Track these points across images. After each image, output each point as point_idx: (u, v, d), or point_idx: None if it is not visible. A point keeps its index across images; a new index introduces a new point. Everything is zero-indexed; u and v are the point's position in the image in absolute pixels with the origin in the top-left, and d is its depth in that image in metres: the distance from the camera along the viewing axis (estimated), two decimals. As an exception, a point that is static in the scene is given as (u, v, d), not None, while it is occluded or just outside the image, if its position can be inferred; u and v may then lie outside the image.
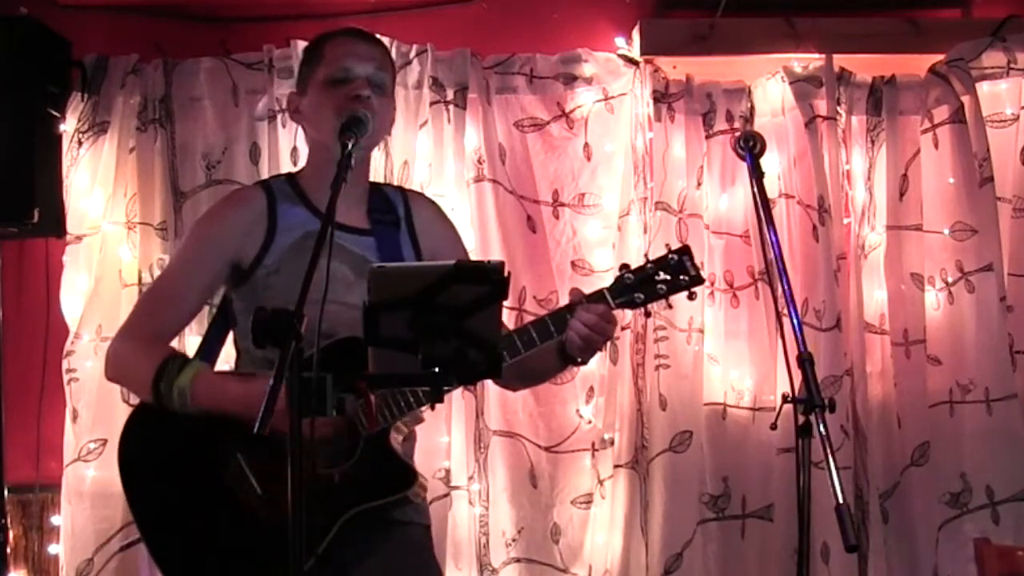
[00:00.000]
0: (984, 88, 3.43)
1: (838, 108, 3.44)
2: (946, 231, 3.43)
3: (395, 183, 3.24)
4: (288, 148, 3.36)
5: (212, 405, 2.13)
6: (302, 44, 3.16)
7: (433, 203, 2.56)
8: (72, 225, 3.38)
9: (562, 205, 3.50)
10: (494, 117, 3.44)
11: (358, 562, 2.17)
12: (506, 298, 1.80)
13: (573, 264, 3.47)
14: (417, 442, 2.42)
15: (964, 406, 3.38)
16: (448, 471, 3.30)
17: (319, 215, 2.12)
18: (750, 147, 2.28)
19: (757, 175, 2.26)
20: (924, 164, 3.45)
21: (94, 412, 3.29)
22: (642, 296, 2.27)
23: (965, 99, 3.39)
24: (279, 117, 3.35)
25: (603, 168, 3.49)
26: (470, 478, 3.33)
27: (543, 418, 3.41)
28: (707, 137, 3.49)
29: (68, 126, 3.38)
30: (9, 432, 3.33)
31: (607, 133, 3.49)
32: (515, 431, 3.40)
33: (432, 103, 3.39)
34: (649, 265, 2.28)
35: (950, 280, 3.42)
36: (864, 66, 3.48)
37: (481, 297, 1.74)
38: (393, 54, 3.08)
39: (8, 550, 3.33)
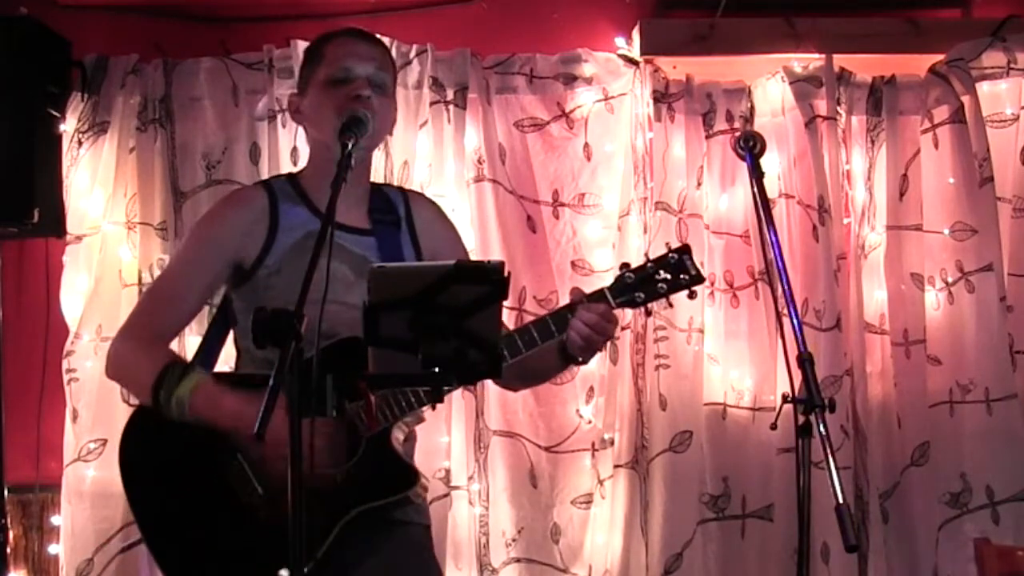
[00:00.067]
0: (984, 88, 3.43)
1: (838, 108, 3.44)
2: (946, 231, 3.43)
3: (395, 183, 3.24)
4: (288, 148, 3.37)
5: (209, 418, 2.13)
6: (302, 44, 3.16)
7: (433, 203, 2.56)
8: (72, 225, 3.38)
9: (562, 205, 3.50)
10: (494, 117, 3.44)
11: (359, 562, 2.17)
12: (506, 298, 1.80)
13: (573, 264, 3.47)
14: (417, 442, 2.42)
15: (964, 406, 3.38)
16: (448, 471, 3.30)
17: (320, 215, 2.12)
18: (750, 147, 2.28)
19: (757, 175, 2.26)
20: (924, 164, 3.45)
21: (94, 412, 3.29)
22: (643, 295, 2.27)
23: (965, 99, 3.39)
24: (279, 117, 3.35)
25: (603, 168, 3.49)
26: (470, 478, 3.33)
27: (543, 418, 3.41)
28: (707, 137, 3.49)
29: (68, 126, 3.38)
30: (9, 432, 3.33)
31: (607, 133, 3.49)
32: (515, 431, 3.40)
33: (432, 103, 3.39)
34: (649, 264, 2.28)
35: (950, 280, 3.42)
36: (864, 66, 3.48)
37: (481, 297, 1.74)
38: (393, 54, 3.07)
39: (8, 550, 3.33)
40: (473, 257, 2.85)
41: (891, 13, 3.55)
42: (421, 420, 2.35)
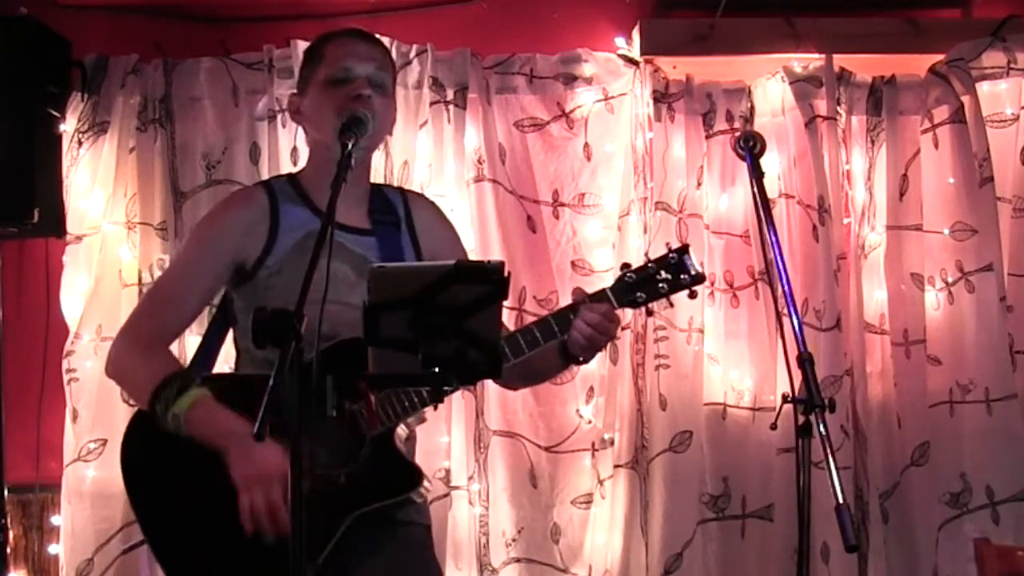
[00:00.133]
0: (984, 88, 3.43)
1: (838, 108, 3.44)
2: (946, 231, 3.43)
3: (395, 183, 3.24)
4: (288, 148, 3.36)
5: (203, 436, 2.12)
6: (302, 44, 3.16)
7: (433, 204, 2.56)
8: (72, 225, 3.38)
9: (562, 205, 3.49)
10: (494, 117, 3.44)
11: (360, 562, 2.17)
12: (506, 298, 1.80)
13: (573, 264, 3.47)
14: (417, 442, 2.42)
15: (964, 406, 3.38)
16: (448, 471, 3.30)
17: (320, 215, 2.12)
18: (750, 147, 2.28)
19: (757, 175, 2.26)
20: (924, 164, 3.45)
21: (94, 412, 3.29)
22: (644, 295, 2.28)
23: (965, 99, 3.39)
24: (279, 117, 3.35)
25: (603, 168, 3.49)
26: (470, 478, 3.32)
27: (543, 418, 3.41)
28: (707, 137, 3.49)
29: (68, 126, 3.38)
30: (9, 432, 3.33)
31: (607, 133, 3.49)
32: (515, 431, 3.40)
33: (432, 103, 3.39)
34: (650, 264, 2.29)
35: (950, 280, 3.42)
36: (864, 66, 3.48)
37: (481, 297, 1.74)
38: (393, 54, 3.08)
39: (8, 550, 3.32)
40: (473, 257, 2.85)
41: (891, 13, 3.55)
42: (423, 420, 2.35)
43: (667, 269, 2.28)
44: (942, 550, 3.34)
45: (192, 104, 3.44)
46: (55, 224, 3.34)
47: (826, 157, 3.40)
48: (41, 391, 3.40)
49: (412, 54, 3.39)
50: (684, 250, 2.31)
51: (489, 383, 3.10)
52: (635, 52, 3.46)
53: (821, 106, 3.41)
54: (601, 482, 3.39)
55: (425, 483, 2.26)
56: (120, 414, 3.11)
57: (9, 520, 3.34)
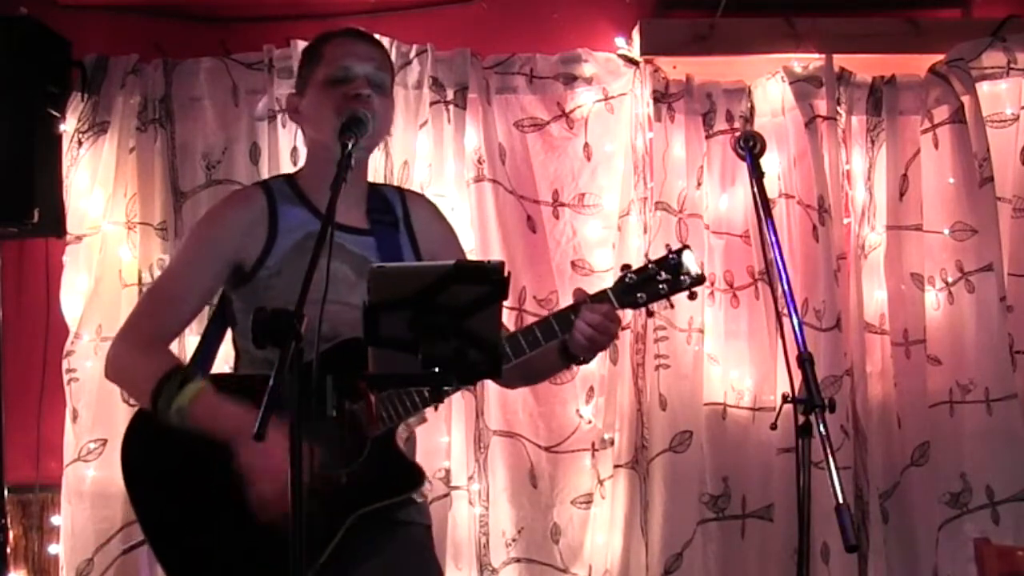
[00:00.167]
0: (984, 88, 3.43)
1: (838, 108, 3.44)
2: (946, 231, 3.43)
3: (395, 183, 3.24)
4: (288, 148, 3.36)
5: (209, 427, 2.12)
6: (302, 44, 3.15)
7: (431, 203, 2.56)
8: (72, 225, 3.38)
9: (562, 205, 3.49)
10: (494, 117, 3.44)
11: (361, 561, 2.17)
12: (506, 298, 1.80)
13: (573, 264, 3.47)
14: (417, 442, 2.42)
15: (964, 406, 3.38)
16: (448, 471, 3.30)
17: (319, 215, 2.12)
18: (750, 147, 2.28)
19: (757, 175, 2.26)
20: (924, 164, 3.45)
21: (94, 412, 3.29)
22: (644, 296, 2.28)
23: (965, 99, 3.39)
24: (279, 117, 3.35)
25: (603, 168, 3.49)
26: (470, 478, 3.32)
27: (543, 418, 3.41)
28: (707, 137, 3.49)
29: (68, 126, 3.38)
30: (9, 432, 3.33)
31: (607, 133, 3.49)
32: (515, 431, 3.40)
33: (432, 103, 3.39)
34: (651, 265, 2.29)
35: (950, 280, 3.42)
36: (864, 66, 3.48)
37: (481, 297, 1.74)
38: (393, 54, 3.08)
39: (8, 550, 3.32)
40: (473, 257, 2.85)
41: (891, 13, 3.55)
42: (423, 420, 2.35)
43: (667, 270, 2.29)
44: (942, 550, 3.34)
45: (192, 104, 3.44)
46: (55, 224, 3.34)
47: (826, 157, 3.40)
48: (41, 391, 3.40)
49: (412, 54, 3.39)
50: (684, 250, 2.31)
51: (489, 383, 3.10)
52: (635, 52, 3.46)
53: (821, 106, 3.41)
54: (601, 482, 3.39)
55: (427, 480, 2.27)
56: (120, 414, 3.11)
57: (9, 520, 3.34)
